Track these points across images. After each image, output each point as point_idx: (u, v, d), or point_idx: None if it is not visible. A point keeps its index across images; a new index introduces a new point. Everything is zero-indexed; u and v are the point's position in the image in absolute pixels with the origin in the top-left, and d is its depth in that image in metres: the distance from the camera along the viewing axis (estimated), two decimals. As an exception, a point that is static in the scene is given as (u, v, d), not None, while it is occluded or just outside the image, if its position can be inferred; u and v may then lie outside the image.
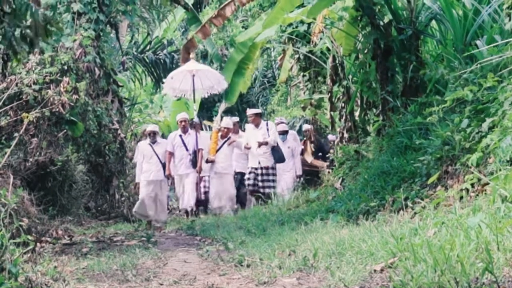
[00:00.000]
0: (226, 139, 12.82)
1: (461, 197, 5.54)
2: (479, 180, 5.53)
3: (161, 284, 4.70)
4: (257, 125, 13.02)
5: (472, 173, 5.67)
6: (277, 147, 12.97)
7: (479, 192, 5.41)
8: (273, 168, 12.91)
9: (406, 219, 5.59)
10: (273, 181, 12.90)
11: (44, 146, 10.15)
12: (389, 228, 5.16)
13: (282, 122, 14.81)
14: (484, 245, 3.56)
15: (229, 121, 13.18)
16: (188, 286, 4.61)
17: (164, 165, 11.60)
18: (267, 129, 12.97)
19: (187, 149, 12.13)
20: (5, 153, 8.42)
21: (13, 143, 8.92)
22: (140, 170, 11.78)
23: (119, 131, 13.25)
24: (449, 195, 5.76)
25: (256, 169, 12.82)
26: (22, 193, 6.98)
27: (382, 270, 4.06)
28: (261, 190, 12.61)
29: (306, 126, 16.31)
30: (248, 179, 12.96)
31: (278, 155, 12.90)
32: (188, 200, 12.21)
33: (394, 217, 5.86)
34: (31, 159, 9.70)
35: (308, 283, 4.29)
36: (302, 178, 14.21)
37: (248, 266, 5.13)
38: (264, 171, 12.77)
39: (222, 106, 13.36)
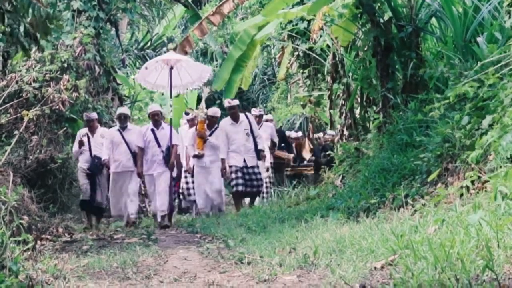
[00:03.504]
0: (213, 129, 11.61)
1: (461, 195, 5.53)
2: (479, 177, 5.53)
3: (162, 282, 4.69)
4: (236, 120, 11.63)
5: (473, 170, 5.67)
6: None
7: (479, 190, 5.41)
8: (258, 167, 11.66)
9: (406, 216, 5.58)
10: (261, 180, 11.70)
11: (44, 144, 10.15)
12: (389, 226, 5.15)
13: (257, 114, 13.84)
14: (484, 242, 3.56)
15: (216, 110, 11.97)
16: (188, 284, 4.60)
17: (133, 154, 10.80)
18: (249, 122, 11.69)
19: (159, 146, 10.56)
20: (5, 150, 8.42)
21: (13, 140, 8.92)
22: (109, 151, 10.88)
23: (119, 129, 13.23)
24: (449, 193, 5.76)
25: (242, 168, 11.45)
26: (22, 191, 6.96)
27: (382, 267, 4.06)
28: (248, 190, 11.51)
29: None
30: (235, 178, 11.50)
31: (258, 154, 11.72)
32: (157, 203, 10.48)
33: (394, 214, 5.86)
34: (31, 157, 9.71)
35: (309, 280, 4.29)
36: (270, 170, 13.73)
37: (248, 263, 5.12)
38: (250, 170, 11.49)
39: (206, 91, 12.26)
